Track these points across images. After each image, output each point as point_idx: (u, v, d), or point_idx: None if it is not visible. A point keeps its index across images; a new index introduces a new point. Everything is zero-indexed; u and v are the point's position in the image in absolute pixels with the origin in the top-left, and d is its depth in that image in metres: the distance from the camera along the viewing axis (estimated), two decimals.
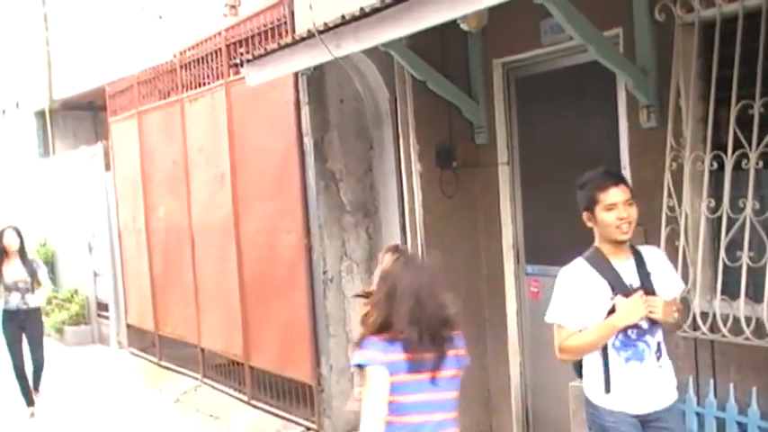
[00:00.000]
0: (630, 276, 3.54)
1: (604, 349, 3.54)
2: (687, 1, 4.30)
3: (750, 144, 4.05)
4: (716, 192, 4.22)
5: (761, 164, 4.04)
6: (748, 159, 4.05)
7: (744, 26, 4.10)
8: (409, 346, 3.02)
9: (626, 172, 4.85)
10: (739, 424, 4.20)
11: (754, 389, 4.12)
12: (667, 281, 3.63)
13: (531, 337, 5.78)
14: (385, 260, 3.66)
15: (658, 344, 3.56)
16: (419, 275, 3.13)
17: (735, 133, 4.11)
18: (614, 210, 3.48)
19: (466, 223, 5.95)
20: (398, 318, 3.03)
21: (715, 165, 4.21)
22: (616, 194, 3.49)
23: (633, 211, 3.51)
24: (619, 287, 3.50)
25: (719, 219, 4.19)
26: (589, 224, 3.58)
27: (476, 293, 5.97)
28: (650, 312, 3.45)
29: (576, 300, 3.56)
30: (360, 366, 3.07)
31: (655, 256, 3.67)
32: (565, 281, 3.62)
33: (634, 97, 4.66)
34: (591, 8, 4.42)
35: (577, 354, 3.65)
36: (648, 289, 3.52)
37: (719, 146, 4.21)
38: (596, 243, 3.59)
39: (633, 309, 3.45)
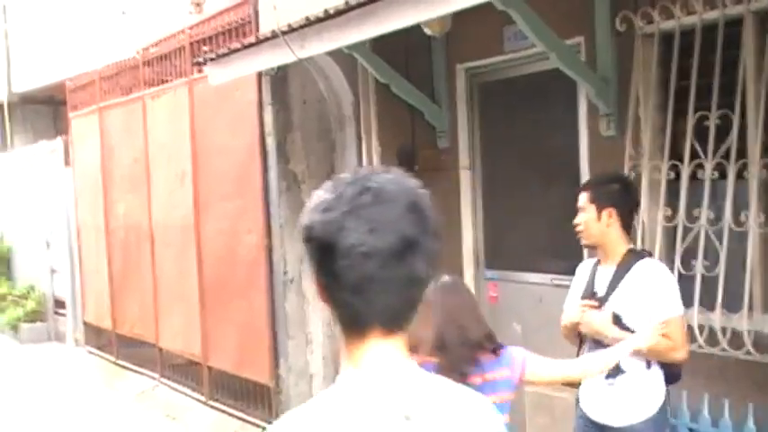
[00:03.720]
0: (603, 284, 3.47)
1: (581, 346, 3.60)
2: (647, 12, 4.36)
3: (706, 155, 4.11)
4: (673, 201, 4.28)
5: (716, 174, 4.10)
6: (704, 170, 4.12)
7: (702, 39, 4.16)
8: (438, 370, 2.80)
9: (585, 179, 4.90)
10: (691, 430, 4.27)
11: (706, 396, 4.19)
12: (645, 302, 3.35)
13: None
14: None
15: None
16: (446, 301, 3.06)
17: (691, 144, 4.17)
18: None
19: None
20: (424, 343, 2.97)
21: (672, 174, 4.28)
22: (579, 199, 3.52)
23: (580, 217, 3.48)
24: (585, 291, 3.54)
25: (675, 228, 4.25)
26: None
27: None
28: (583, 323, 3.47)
29: (571, 291, 3.68)
30: None
31: (646, 273, 3.39)
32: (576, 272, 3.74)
33: (594, 105, 4.71)
34: (553, 16, 4.46)
35: (566, 338, 3.71)
36: (605, 302, 3.42)
37: (677, 155, 4.27)
38: None
39: (574, 315, 3.51)
